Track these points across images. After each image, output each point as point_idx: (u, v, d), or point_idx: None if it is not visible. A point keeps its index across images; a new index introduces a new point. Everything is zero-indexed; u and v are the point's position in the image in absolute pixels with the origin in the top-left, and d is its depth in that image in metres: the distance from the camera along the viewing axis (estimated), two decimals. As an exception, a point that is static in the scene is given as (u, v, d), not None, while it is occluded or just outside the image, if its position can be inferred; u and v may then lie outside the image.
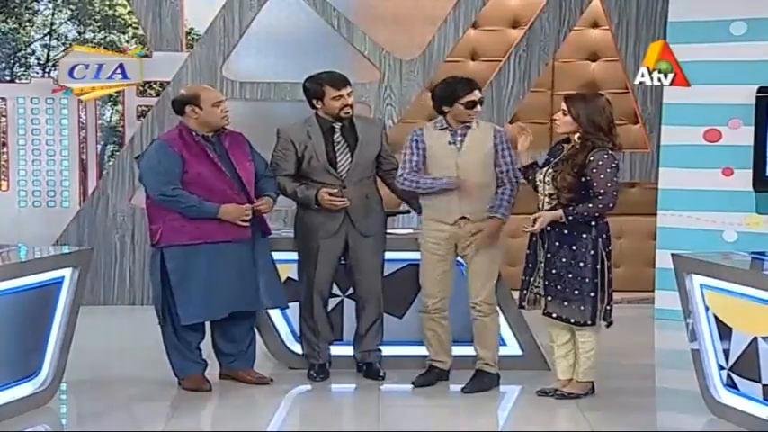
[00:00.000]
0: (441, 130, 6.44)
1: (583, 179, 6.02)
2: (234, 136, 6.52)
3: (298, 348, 7.00)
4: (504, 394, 6.62)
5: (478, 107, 6.40)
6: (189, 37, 10.58)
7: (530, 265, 6.25)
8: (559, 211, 6.02)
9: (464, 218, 6.38)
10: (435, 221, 6.45)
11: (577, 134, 6.09)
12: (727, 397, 5.84)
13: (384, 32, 9.73)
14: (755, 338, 5.55)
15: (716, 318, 5.83)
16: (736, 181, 8.59)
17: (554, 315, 6.13)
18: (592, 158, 5.99)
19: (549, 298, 6.13)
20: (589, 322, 6.08)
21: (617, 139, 6.13)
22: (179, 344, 6.46)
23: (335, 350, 6.89)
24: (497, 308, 6.56)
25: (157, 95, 10.11)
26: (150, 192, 6.37)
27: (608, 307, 6.14)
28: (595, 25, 10.17)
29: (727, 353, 5.76)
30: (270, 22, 9.65)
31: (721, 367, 5.84)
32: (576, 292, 6.04)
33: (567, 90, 10.13)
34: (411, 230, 7.52)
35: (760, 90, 8.45)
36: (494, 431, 6.10)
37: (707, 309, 5.88)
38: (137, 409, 6.34)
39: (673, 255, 6.13)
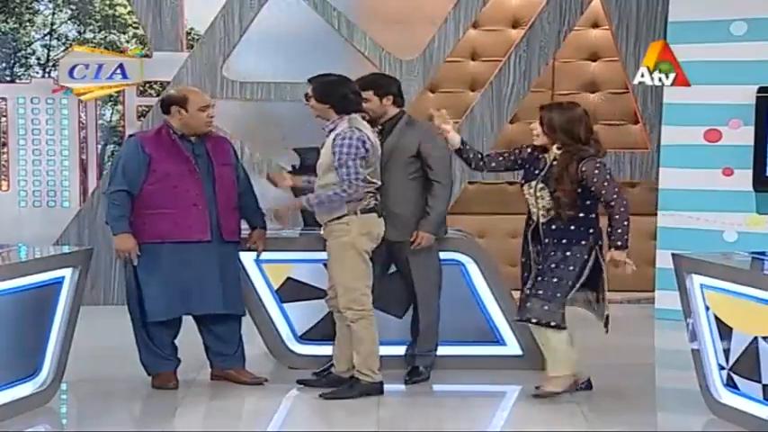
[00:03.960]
0: None
1: (579, 190, 6.00)
2: (217, 140, 6.51)
3: (298, 348, 7.00)
4: (505, 394, 6.62)
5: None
6: (189, 37, 10.58)
7: (525, 274, 6.24)
8: (618, 252, 6.06)
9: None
10: None
11: (555, 145, 6.06)
12: (727, 397, 5.84)
13: (384, 32, 9.72)
14: (755, 338, 5.55)
15: (716, 318, 5.83)
16: (737, 181, 8.59)
17: (533, 320, 6.06)
18: (584, 169, 5.95)
19: (529, 304, 6.07)
20: (561, 324, 6.04)
21: (598, 145, 6.07)
22: (149, 341, 6.45)
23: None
24: (362, 316, 6.19)
25: (157, 95, 10.10)
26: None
27: (606, 313, 6.13)
28: (595, 25, 10.18)
29: (727, 353, 5.76)
30: (270, 22, 9.65)
31: (721, 367, 5.83)
32: (558, 294, 6.01)
33: (567, 90, 10.19)
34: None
35: (760, 90, 8.46)
36: (494, 431, 6.11)
37: (707, 309, 5.88)
38: (137, 409, 6.34)
39: (673, 255, 6.14)
